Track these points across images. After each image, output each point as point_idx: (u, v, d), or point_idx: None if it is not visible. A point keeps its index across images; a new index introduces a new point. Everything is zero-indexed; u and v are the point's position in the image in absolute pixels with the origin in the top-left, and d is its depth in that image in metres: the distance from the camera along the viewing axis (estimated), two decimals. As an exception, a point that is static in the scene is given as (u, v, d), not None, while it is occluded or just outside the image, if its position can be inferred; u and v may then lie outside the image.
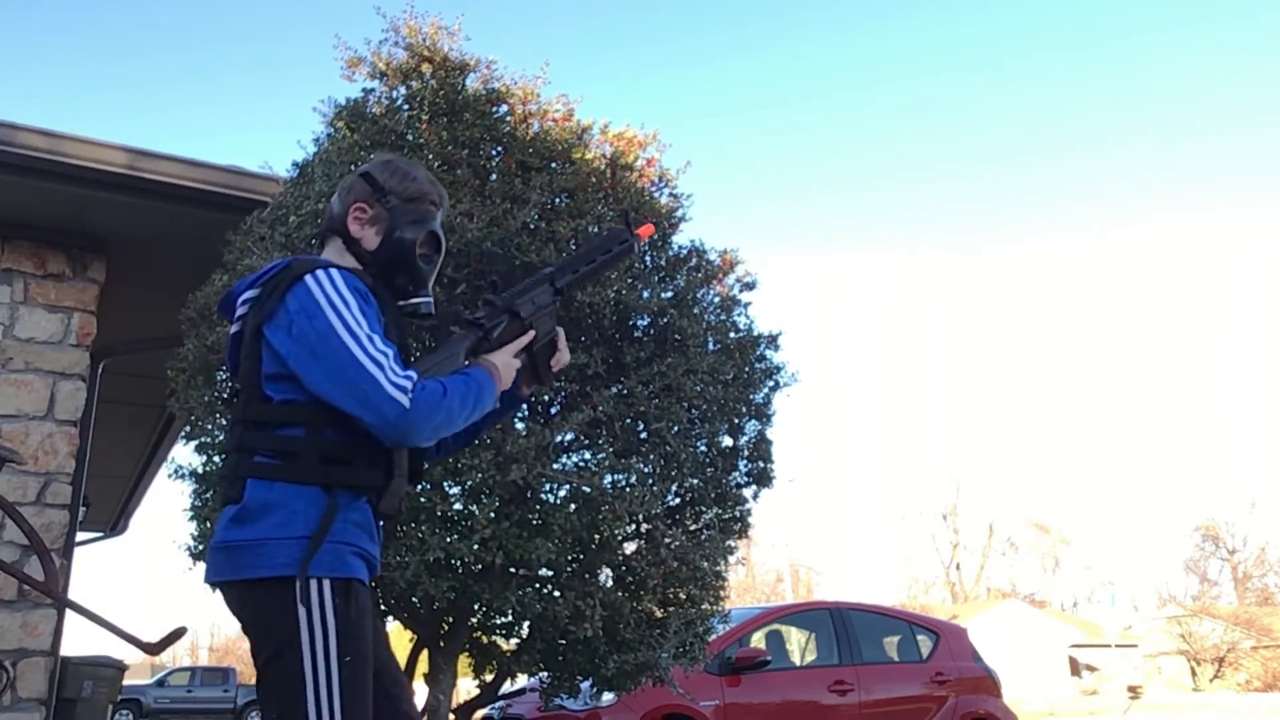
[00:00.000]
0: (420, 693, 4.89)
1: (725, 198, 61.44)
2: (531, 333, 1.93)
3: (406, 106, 4.43)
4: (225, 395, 4.32)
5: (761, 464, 4.60)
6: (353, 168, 4.18)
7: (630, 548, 4.29)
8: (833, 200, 70.93)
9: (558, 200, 4.30)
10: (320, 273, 1.70)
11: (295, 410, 1.69)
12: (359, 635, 1.64)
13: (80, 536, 8.03)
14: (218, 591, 1.73)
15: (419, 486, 4.05)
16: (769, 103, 69.62)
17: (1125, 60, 63.12)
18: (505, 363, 1.88)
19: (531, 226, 4.08)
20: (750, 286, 4.76)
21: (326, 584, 1.62)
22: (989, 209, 68.56)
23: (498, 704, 6.28)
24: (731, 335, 4.56)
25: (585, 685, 4.79)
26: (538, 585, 4.18)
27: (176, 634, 4.61)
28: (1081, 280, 71.32)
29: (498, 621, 4.63)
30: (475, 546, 3.78)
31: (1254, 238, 65.43)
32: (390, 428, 1.63)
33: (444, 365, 1.79)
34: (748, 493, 4.59)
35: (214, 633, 54.46)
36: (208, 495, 4.32)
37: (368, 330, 1.66)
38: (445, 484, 4.07)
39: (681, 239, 4.65)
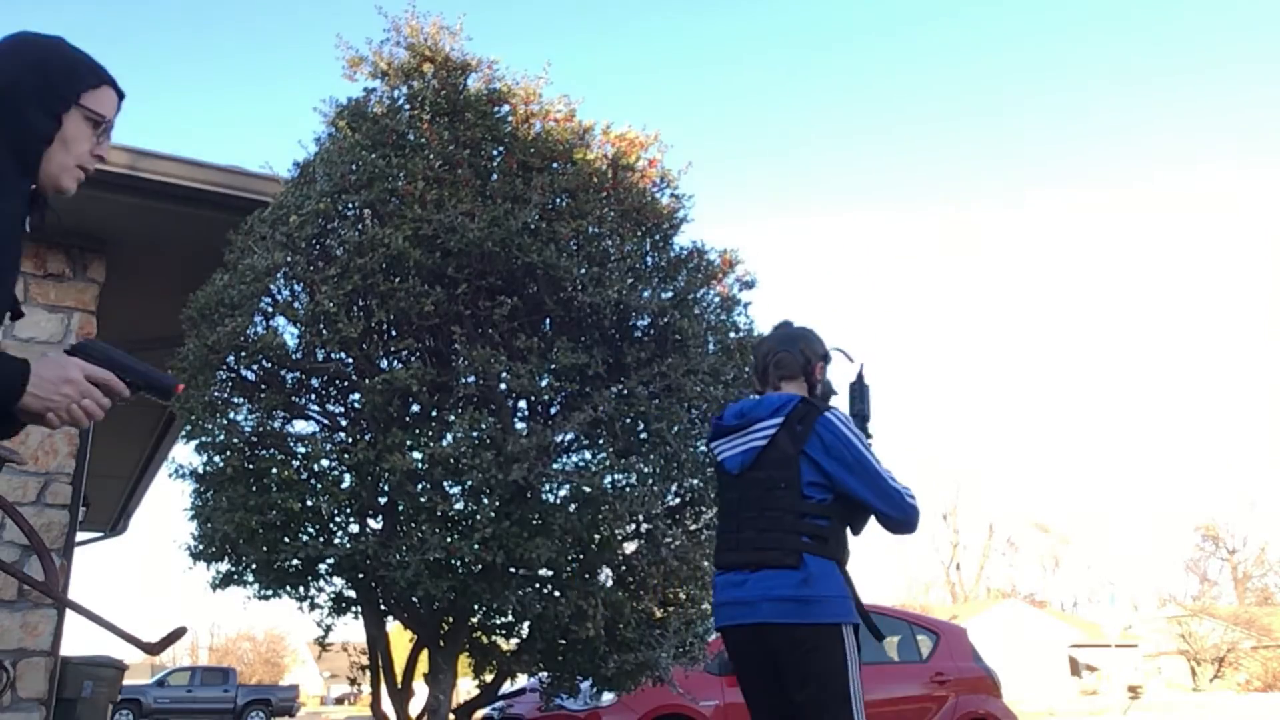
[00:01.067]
0: (420, 693, 4.88)
1: (726, 198, 61.51)
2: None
3: (408, 106, 4.42)
4: (226, 395, 4.32)
5: (762, 464, 4.59)
6: (354, 167, 4.18)
7: (630, 547, 4.29)
8: (834, 200, 71.00)
9: (559, 200, 4.30)
10: (835, 413, 2.57)
11: (825, 507, 2.51)
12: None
13: (80, 536, 8.02)
14: (752, 629, 2.53)
15: (419, 486, 4.05)
16: (770, 103, 69.66)
17: (1140, 44, 63.17)
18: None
19: (533, 227, 4.07)
20: (750, 286, 4.76)
21: (852, 628, 2.46)
22: (989, 210, 68.68)
23: (498, 704, 6.28)
24: (732, 335, 4.56)
25: (585, 685, 4.79)
26: (538, 585, 4.18)
27: (176, 634, 4.59)
28: (1082, 280, 71.42)
29: (498, 621, 4.63)
30: (476, 546, 3.77)
31: (1254, 237, 65.52)
32: (908, 523, 2.53)
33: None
34: (748, 493, 4.58)
35: (214, 633, 54.34)
36: (208, 495, 4.31)
37: (876, 455, 2.55)
38: (446, 484, 4.06)
39: (682, 239, 4.65)
